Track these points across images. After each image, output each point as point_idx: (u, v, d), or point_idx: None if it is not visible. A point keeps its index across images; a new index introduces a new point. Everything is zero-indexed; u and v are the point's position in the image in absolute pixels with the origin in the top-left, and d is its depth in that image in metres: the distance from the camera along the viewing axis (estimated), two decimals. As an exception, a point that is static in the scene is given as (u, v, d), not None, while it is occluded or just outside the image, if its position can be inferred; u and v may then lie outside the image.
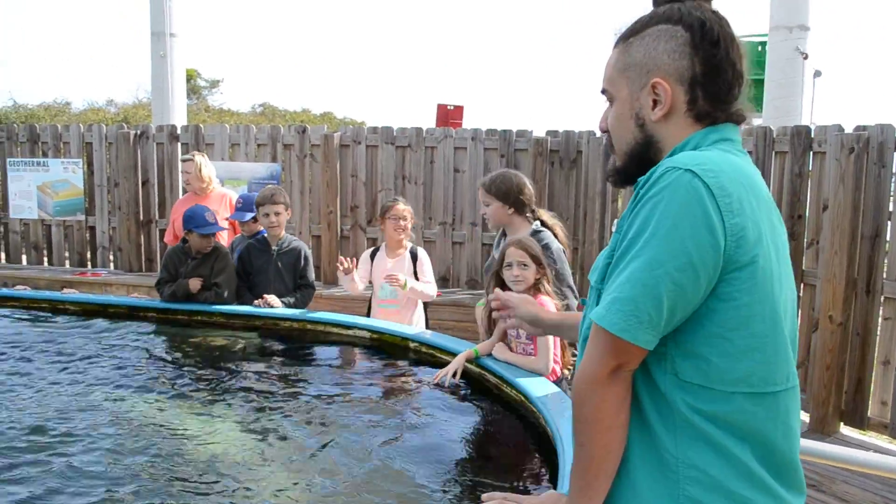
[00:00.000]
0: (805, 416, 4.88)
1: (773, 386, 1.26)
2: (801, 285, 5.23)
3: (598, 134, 6.48)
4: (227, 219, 5.19)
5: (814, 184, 5.21)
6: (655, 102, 1.35)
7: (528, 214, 3.68)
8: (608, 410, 1.26)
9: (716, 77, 1.33)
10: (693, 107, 1.34)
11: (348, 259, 4.33)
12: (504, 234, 3.77)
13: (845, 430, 4.90)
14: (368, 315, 4.55)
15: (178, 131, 7.73)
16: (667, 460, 1.26)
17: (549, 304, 3.09)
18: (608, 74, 1.42)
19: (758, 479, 1.24)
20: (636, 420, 1.30)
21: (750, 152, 5.54)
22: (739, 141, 1.37)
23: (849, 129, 4.86)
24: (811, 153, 5.18)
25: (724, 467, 1.24)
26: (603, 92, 1.44)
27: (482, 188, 3.70)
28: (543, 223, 3.68)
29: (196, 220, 4.33)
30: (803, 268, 5.23)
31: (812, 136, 5.15)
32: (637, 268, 1.21)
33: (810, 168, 5.21)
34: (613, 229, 1.36)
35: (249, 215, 4.72)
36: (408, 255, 4.54)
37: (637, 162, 1.38)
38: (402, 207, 4.46)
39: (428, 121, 15.30)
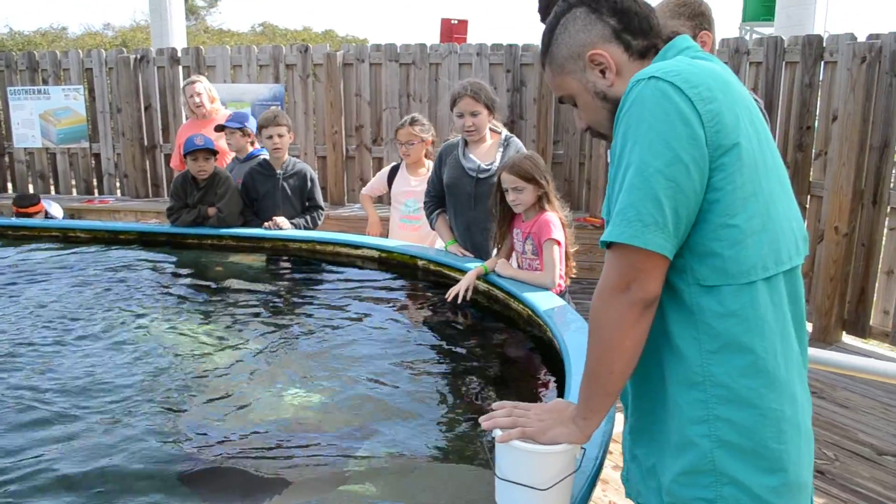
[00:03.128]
0: (808, 327, 4.96)
1: (785, 264, 1.29)
2: (808, 197, 5.23)
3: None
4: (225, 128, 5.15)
5: (824, 94, 5.14)
6: (603, 72, 1.41)
7: None
8: (617, 329, 1.26)
9: (630, 18, 1.40)
10: (631, 51, 1.41)
11: None
12: (465, 144, 3.70)
13: (847, 338, 4.99)
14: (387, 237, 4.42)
15: (179, 54, 7.60)
16: (696, 381, 1.27)
17: (554, 220, 3.11)
18: (555, 84, 1.49)
19: (782, 384, 1.26)
20: (666, 346, 1.31)
21: (760, 63, 5.45)
22: (697, 46, 1.41)
23: (862, 39, 4.76)
24: (822, 63, 5.09)
25: (751, 378, 1.25)
26: (562, 100, 1.52)
27: (470, 98, 3.56)
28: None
29: (186, 146, 4.39)
30: (811, 179, 5.22)
31: (824, 45, 5.05)
32: (629, 176, 1.24)
33: (821, 78, 5.14)
34: (608, 160, 1.41)
35: (236, 125, 4.67)
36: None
37: None
38: (408, 131, 4.25)
39: (432, 37, 14.99)
